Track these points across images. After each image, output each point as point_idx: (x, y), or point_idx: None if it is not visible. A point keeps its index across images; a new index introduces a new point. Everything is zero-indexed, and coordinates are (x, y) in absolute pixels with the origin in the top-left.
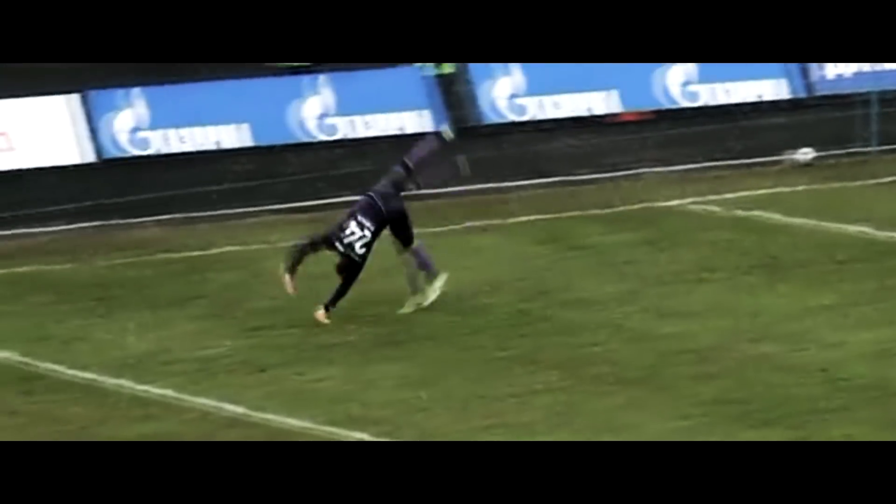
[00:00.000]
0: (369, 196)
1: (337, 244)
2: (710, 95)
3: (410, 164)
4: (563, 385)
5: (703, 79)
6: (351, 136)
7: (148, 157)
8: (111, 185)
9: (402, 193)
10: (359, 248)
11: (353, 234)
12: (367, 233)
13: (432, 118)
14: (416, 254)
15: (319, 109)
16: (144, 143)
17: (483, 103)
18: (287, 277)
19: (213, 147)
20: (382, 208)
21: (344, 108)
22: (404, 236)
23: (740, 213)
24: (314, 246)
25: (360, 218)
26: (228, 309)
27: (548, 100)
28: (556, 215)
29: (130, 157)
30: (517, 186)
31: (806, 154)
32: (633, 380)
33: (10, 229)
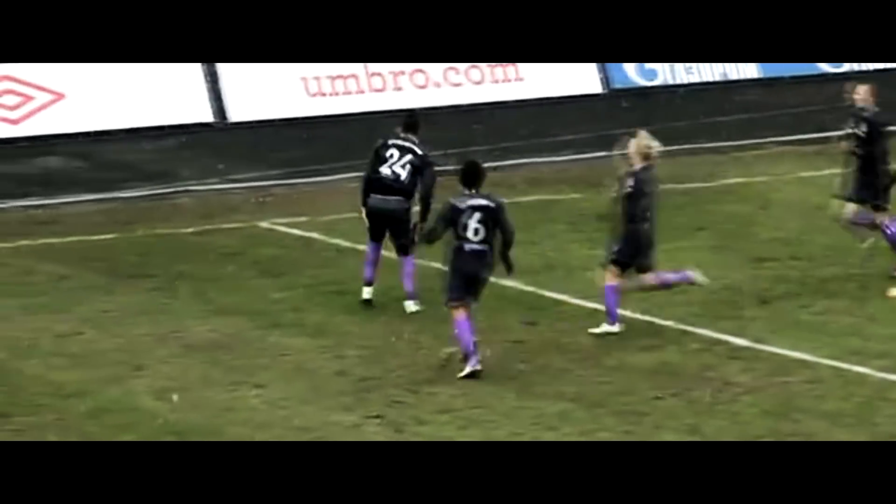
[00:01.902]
0: None
1: None
2: None
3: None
4: None
5: None
6: (857, 68)
7: (655, 87)
8: (619, 115)
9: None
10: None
11: None
12: None
13: None
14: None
15: None
16: (652, 73)
17: None
18: None
19: (718, 79)
20: None
21: None
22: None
23: None
24: None
25: None
26: (732, 240)
27: None
28: None
29: (638, 88)
30: None
31: None
32: None
33: (514, 159)
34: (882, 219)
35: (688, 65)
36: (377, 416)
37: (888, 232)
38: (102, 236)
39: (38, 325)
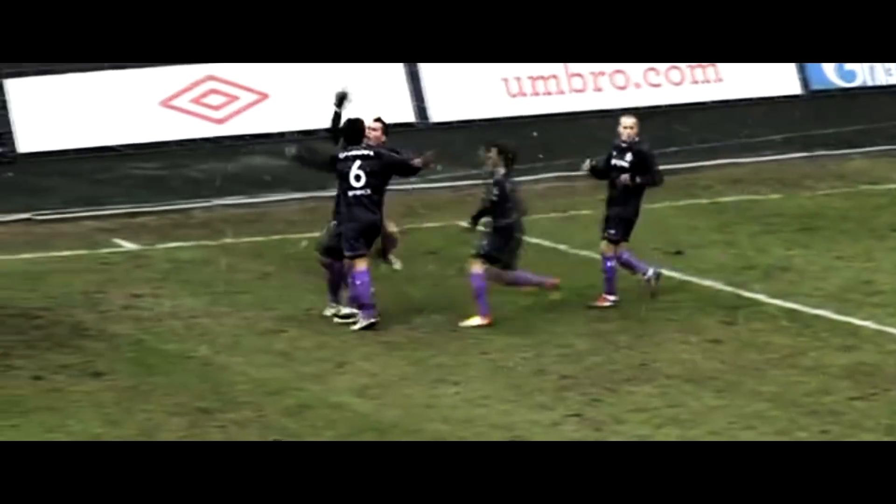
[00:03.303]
0: None
1: None
2: None
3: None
4: None
5: None
6: None
7: (853, 88)
8: (817, 116)
9: None
10: None
11: None
12: None
13: None
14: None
15: None
16: (850, 75)
17: None
18: None
19: None
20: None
21: None
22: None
23: None
24: None
25: None
26: None
27: None
28: None
29: (836, 89)
30: None
31: None
32: None
33: (713, 160)
34: None
35: (887, 66)
36: (576, 415)
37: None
38: (305, 234)
39: (241, 323)
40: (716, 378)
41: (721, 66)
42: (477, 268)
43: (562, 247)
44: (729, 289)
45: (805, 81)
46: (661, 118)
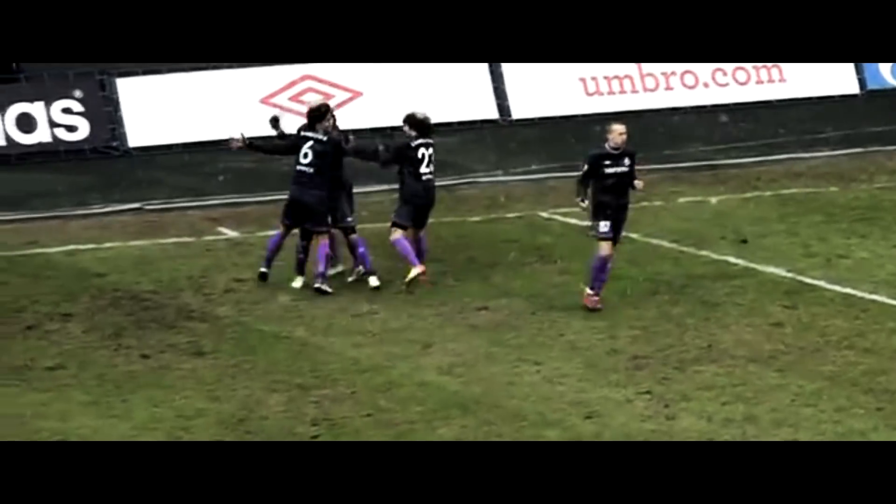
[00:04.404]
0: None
1: None
2: None
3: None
4: None
5: None
6: None
7: None
8: (874, 114)
9: None
10: None
11: None
12: None
13: None
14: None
15: None
16: None
17: None
18: None
19: None
20: None
21: None
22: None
23: None
24: None
25: None
26: None
27: None
28: None
29: (892, 89)
30: None
31: None
32: None
33: (776, 155)
34: None
35: None
36: (647, 392)
37: None
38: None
39: (335, 306)
40: (778, 358)
41: (784, 67)
42: (395, 235)
43: (633, 235)
44: (790, 275)
45: (862, 82)
46: (727, 116)
